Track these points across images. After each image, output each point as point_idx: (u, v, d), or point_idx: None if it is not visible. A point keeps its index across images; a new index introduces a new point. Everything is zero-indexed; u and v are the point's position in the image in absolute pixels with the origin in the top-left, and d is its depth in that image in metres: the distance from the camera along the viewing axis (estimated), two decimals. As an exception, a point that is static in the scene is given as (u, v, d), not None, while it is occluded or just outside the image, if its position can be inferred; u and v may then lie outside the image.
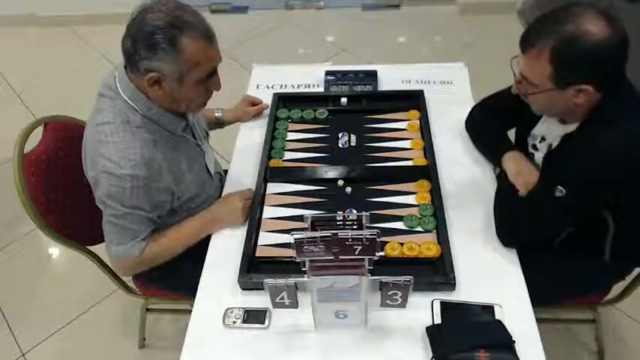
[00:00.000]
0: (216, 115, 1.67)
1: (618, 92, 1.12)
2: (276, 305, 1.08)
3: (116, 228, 1.25)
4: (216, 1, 3.98)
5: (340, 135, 1.60)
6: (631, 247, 1.31)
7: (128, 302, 1.87)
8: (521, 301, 1.14)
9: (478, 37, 3.42)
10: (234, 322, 1.14)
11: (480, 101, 1.56)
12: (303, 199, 1.41)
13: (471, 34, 3.47)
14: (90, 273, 1.61)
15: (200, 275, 1.25)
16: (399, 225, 1.32)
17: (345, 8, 3.89)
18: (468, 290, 1.17)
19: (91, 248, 1.49)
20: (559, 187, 1.12)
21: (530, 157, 1.37)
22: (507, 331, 1.06)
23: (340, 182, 1.44)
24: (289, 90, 1.81)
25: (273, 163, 1.52)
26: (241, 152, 1.59)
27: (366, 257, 0.95)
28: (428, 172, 1.44)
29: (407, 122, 1.63)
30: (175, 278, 1.47)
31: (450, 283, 1.16)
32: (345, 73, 1.80)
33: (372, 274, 0.98)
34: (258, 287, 1.13)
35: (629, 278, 1.44)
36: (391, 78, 1.81)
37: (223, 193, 1.45)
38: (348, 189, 1.43)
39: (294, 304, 1.08)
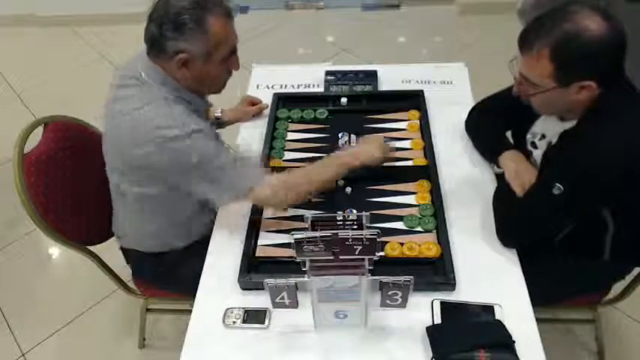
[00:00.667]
0: (216, 114, 1.67)
1: (617, 88, 1.12)
2: (276, 305, 1.08)
3: (221, 172, 1.22)
4: (216, 1, 3.98)
5: (340, 135, 1.60)
6: (631, 246, 1.31)
7: (128, 302, 1.87)
8: (521, 301, 1.14)
9: (478, 37, 3.42)
10: (234, 322, 1.14)
11: (480, 101, 1.56)
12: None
13: (470, 34, 3.47)
14: (90, 273, 1.61)
15: (200, 275, 1.25)
16: (399, 225, 1.32)
17: (345, 8, 3.90)
18: (468, 290, 1.17)
19: (91, 248, 1.49)
20: (557, 184, 1.12)
21: (528, 155, 1.37)
22: (507, 331, 1.06)
23: (340, 182, 1.44)
24: (289, 90, 1.81)
25: (273, 163, 1.52)
26: (241, 152, 1.59)
27: (366, 257, 0.95)
28: (428, 172, 1.44)
29: (407, 122, 1.63)
30: (175, 278, 1.47)
31: (450, 283, 1.16)
32: (345, 73, 1.80)
33: (372, 274, 0.98)
34: (258, 287, 1.13)
35: (629, 278, 1.44)
36: (391, 78, 1.81)
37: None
38: (348, 189, 1.43)
39: (294, 304, 1.08)
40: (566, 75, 1.09)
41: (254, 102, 1.72)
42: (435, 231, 1.30)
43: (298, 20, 3.85)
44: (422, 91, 1.70)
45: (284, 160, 1.53)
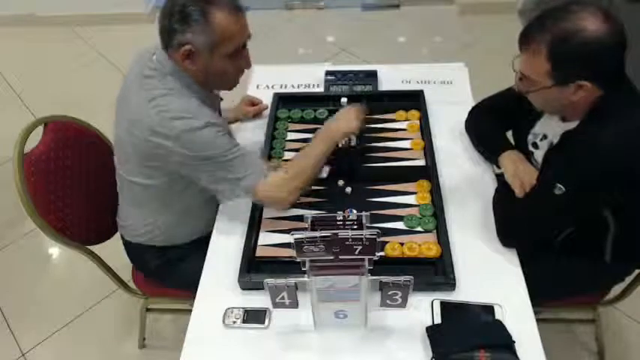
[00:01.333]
0: None
1: (619, 89, 1.12)
2: (276, 305, 1.08)
3: (231, 165, 1.23)
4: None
5: (340, 135, 1.59)
6: (632, 248, 1.31)
7: (128, 302, 1.87)
8: (521, 301, 1.14)
9: (478, 37, 3.42)
10: (234, 322, 1.14)
11: (480, 102, 1.56)
12: (303, 199, 1.41)
13: (470, 34, 3.47)
14: (90, 273, 1.61)
15: (200, 275, 1.25)
16: (399, 225, 1.32)
17: (345, 8, 3.89)
18: (468, 290, 1.17)
19: (91, 248, 1.49)
20: (558, 184, 1.12)
21: (529, 156, 1.37)
22: (507, 331, 1.06)
23: (340, 182, 1.44)
24: (289, 90, 1.81)
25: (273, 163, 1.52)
26: (248, 149, 1.58)
27: (366, 257, 0.95)
28: (428, 172, 1.44)
29: (407, 122, 1.63)
30: (175, 278, 1.47)
31: (450, 283, 1.16)
32: (345, 73, 1.80)
33: (372, 274, 0.98)
34: (258, 287, 1.12)
35: (628, 278, 1.44)
36: (391, 78, 1.81)
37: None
38: (348, 189, 1.43)
39: (294, 304, 1.08)
40: (562, 74, 1.09)
41: (254, 102, 1.72)
42: (435, 231, 1.30)
43: (298, 20, 3.85)
44: (422, 91, 1.70)
45: (284, 160, 1.53)
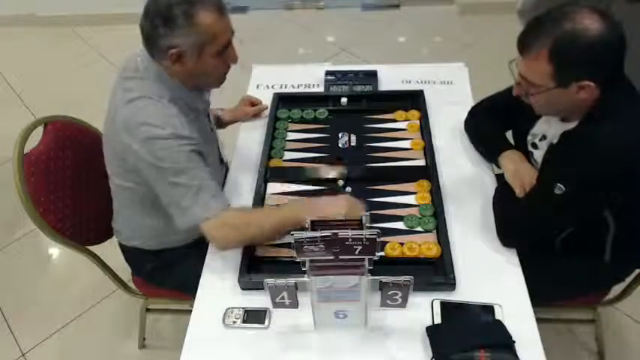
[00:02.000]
0: (219, 113, 1.67)
1: (617, 89, 1.12)
2: (276, 305, 1.08)
3: (185, 190, 1.19)
4: (216, 1, 3.97)
5: (340, 135, 1.60)
6: (632, 247, 1.31)
7: (128, 302, 1.87)
8: (521, 301, 1.14)
9: (478, 37, 3.42)
10: (234, 322, 1.14)
11: (479, 102, 1.56)
12: (303, 199, 1.41)
13: (470, 34, 3.47)
14: (90, 273, 1.61)
15: (200, 275, 1.25)
16: (399, 225, 1.32)
17: (345, 8, 3.89)
18: (468, 290, 1.17)
19: (91, 248, 1.49)
20: (558, 184, 1.12)
21: (529, 156, 1.37)
22: (507, 331, 1.06)
23: (340, 182, 1.44)
24: (289, 90, 1.81)
25: (273, 163, 1.52)
26: (241, 152, 1.59)
27: (366, 257, 0.95)
28: (428, 172, 1.44)
29: (407, 122, 1.63)
30: (175, 278, 1.47)
31: (450, 283, 1.16)
32: (345, 73, 1.80)
33: (372, 274, 0.98)
34: (258, 287, 1.12)
35: (628, 278, 1.44)
36: (391, 78, 1.81)
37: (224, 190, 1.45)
38: (348, 189, 1.43)
39: (294, 304, 1.08)
40: (564, 75, 1.09)
41: (254, 102, 1.72)
42: (435, 231, 1.30)
43: (298, 20, 3.85)
44: (422, 91, 1.70)
45: (284, 160, 1.53)
